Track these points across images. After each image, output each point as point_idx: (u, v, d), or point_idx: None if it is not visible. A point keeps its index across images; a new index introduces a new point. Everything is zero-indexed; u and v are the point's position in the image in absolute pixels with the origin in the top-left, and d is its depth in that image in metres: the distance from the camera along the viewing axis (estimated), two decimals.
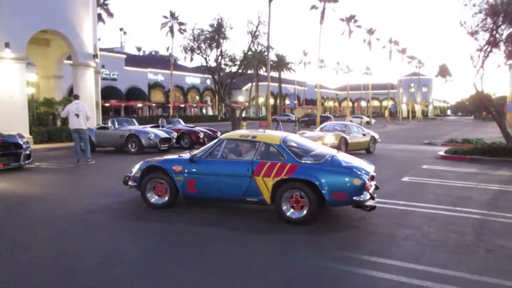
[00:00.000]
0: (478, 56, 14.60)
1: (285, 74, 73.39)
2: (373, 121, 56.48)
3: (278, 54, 69.61)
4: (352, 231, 5.56)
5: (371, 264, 4.32)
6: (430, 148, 18.81)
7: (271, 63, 68.93)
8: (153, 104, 56.82)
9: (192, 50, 20.60)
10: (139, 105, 54.02)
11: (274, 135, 6.55)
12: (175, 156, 6.87)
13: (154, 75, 56.37)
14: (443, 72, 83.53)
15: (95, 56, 20.11)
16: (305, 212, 5.60)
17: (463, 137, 24.12)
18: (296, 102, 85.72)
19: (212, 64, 20.82)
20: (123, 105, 51.22)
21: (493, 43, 14.39)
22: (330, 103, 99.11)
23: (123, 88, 50.40)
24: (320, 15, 40.00)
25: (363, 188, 5.47)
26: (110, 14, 41.51)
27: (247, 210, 6.51)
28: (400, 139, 26.26)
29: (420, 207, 6.77)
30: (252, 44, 20.22)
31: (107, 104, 48.35)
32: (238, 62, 20.42)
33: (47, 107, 21.31)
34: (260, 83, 66.56)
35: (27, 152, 10.33)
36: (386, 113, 65.75)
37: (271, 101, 77.25)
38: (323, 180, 5.49)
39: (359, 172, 5.58)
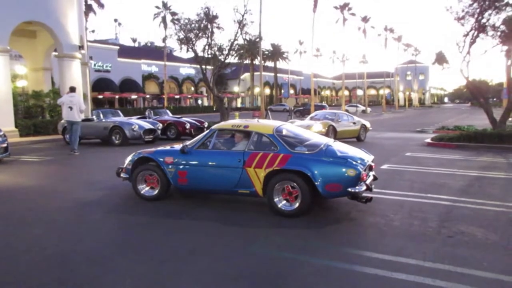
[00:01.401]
0: (463, 41, 14.44)
1: (281, 64, 73.05)
2: (369, 109, 56.29)
3: (273, 44, 69.35)
4: (319, 219, 5.47)
5: (330, 253, 4.25)
6: (420, 136, 18.72)
7: (267, 52, 68.82)
8: (147, 96, 56.60)
9: (181, 40, 20.38)
10: (133, 96, 53.85)
11: (267, 124, 6.32)
12: (166, 148, 6.73)
13: (148, 66, 56.08)
14: (440, 59, 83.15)
15: (81, 47, 19.92)
16: (297, 204, 5.39)
17: (456, 124, 24.05)
18: (293, 91, 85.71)
19: (201, 54, 20.59)
20: (117, 97, 51.05)
21: (479, 28, 14.23)
22: (326, 92, 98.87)
23: (116, 80, 50.17)
24: (313, 3, 39.56)
25: (358, 179, 5.22)
26: (101, 5, 40.99)
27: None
28: (393, 127, 26.20)
29: (391, 194, 6.70)
30: (240, 33, 19.97)
31: (100, 96, 48.28)
32: (225, 52, 20.22)
33: (35, 99, 21.15)
34: (256, 73, 66.24)
35: (4, 145, 10.24)
36: (383, 101, 65.49)
37: (267, 91, 77.19)
38: (315, 171, 5.27)
39: (354, 162, 5.35)
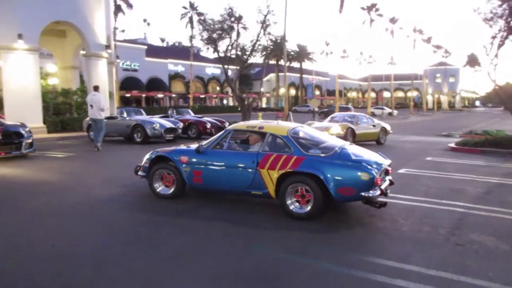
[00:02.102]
0: (491, 43, 14.00)
1: (306, 65, 72.64)
2: (395, 112, 55.26)
3: (299, 44, 69.06)
4: (329, 223, 5.43)
5: (333, 257, 4.22)
6: (445, 140, 18.23)
7: (292, 53, 68.59)
8: (174, 95, 57.39)
9: (204, 41, 20.60)
10: (160, 95, 54.71)
11: (282, 126, 6.26)
12: (183, 147, 6.83)
13: (175, 65, 56.86)
14: (472, 61, 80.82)
15: (107, 46, 20.39)
16: (309, 207, 5.36)
17: (486, 128, 23.31)
18: (318, 93, 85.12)
19: (223, 55, 20.72)
20: (144, 95, 52.00)
21: (508, 30, 13.75)
22: (353, 94, 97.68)
23: (144, 79, 51.12)
24: (340, 4, 39.25)
25: (371, 183, 5.12)
26: (130, 5, 41.94)
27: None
28: (418, 130, 25.64)
29: (405, 199, 6.57)
30: (263, 33, 19.99)
31: (128, 95, 49.30)
32: (248, 53, 20.28)
33: (64, 97, 21.81)
34: (281, 74, 66.09)
35: (29, 141, 10.60)
36: (411, 104, 64.14)
37: (293, 92, 76.96)
38: (328, 174, 5.20)
39: (368, 166, 5.25)
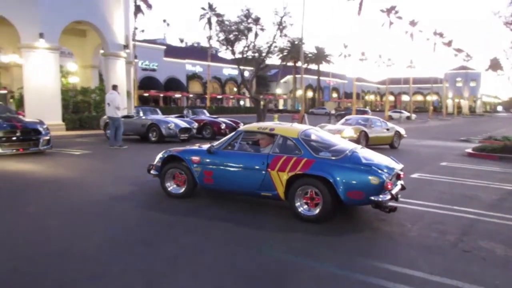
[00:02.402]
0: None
1: (324, 67, 72.32)
2: (413, 116, 54.50)
3: (317, 47, 68.88)
4: (334, 228, 5.42)
5: (337, 260, 4.22)
6: (462, 145, 17.91)
7: (310, 55, 68.37)
8: (191, 95, 57.83)
9: (221, 42, 20.75)
10: (177, 95, 55.19)
11: (292, 128, 6.28)
12: (194, 147, 6.91)
13: (193, 66, 57.27)
14: (494, 65, 79.09)
15: (125, 46, 20.69)
16: (318, 210, 5.35)
17: (507, 134, 22.78)
18: (336, 95, 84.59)
19: (239, 56, 20.84)
20: (162, 95, 52.55)
21: None
22: (371, 97, 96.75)
23: (162, 79, 51.63)
24: (358, 6, 38.97)
25: (381, 187, 5.08)
26: (149, 6, 42.45)
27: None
28: (436, 135, 25.25)
29: (415, 204, 6.50)
30: (279, 35, 20.02)
31: (146, 94, 49.89)
32: (264, 54, 20.32)
33: (83, 95, 22.23)
34: (298, 76, 65.96)
35: (47, 137, 10.85)
36: (430, 108, 63.20)
37: (310, 94, 76.67)
38: (338, 177, 5.18)
39: (378, 170, 5.23)
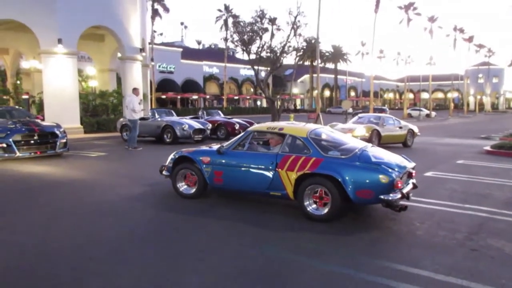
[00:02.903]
0: None
1: (342, 66, 71.74)
2: (433, 113, 53.59)
3: (334, 45, 68.42)
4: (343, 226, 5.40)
5: (340, 259, 4.21)
6: (482, 143, 17.52)
7: (327, 54, 67.95)
8: (208, 96, 58.20)
9: (235, 42, 20.87)
10: (194, 97, 55.62)
11: (302, 127, 6.28)
12: (205, 148, 6.99)
13: (209, 67, 57.65)
14: None
15: (141, 50, 20.99)
16: (327, 209, 5.33)
17: None
18: (354, 94, 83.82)
19: (253, 56, 20.90)
20: (179, 97, 53.04)
21: None
22: (390, 95, 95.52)
23: (179, 81, 52.17)
24: (375, 3, 38.48)
25: (391, 186, 5.03)
26: (166, 9, 42.95)
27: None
28: (455, 132, 24.77)
29: (426, 202, 6.42)
30: (294, 34, 20.00)
31: (163, 96, 50.45)
32: (278, 54, 20.33)
33: (101, 98, 22.68)
34: (316, 75, 65.71)
35: (63, 140, 11.11)
36: (450, 105, 61.98)
37: (327, 93, 76.19)
38: (347, 176, 5.14)
39: (388, 169, 5.18)
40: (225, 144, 6.50)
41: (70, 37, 17.62)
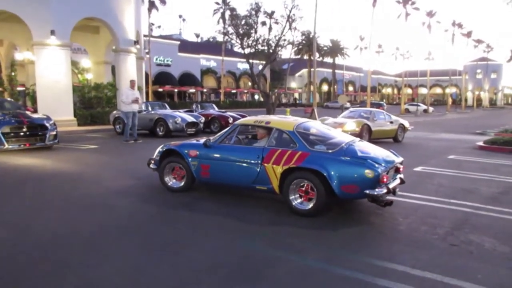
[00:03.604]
0: None
1: (340, 60, 71.57)
2: (431, 109, 53.55)
3: (332, 40, 68.21)
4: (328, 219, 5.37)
5: (317, 253, 4.19)
6: (476, 138, 17.48)
7: (325, 48, 67.74)
8: (205, 90, 58.03)
9: (229, 35, 20.78)
10: (192, 90, 55.44)
11: (288, 121, 6.21)
12: (192, 141, 6.93)
13: (207, 61, 57.40)
14: None
15: (136, 42, 20.85)
16: (312, 204, 5.30)
17: None
18: (352, 89, 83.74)
19: (248, 50, 20.80)
20: (176, 90, 52.86)
21: None
22: (388, 90, 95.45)
23: (176, 74, 51.93)
24: None
25: (376, 181, 4.98)
26: (163, 1, 42.71)
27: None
28: (451, 128, 24.76)
29: (412, 198, 6.39)
30: (289, 28, 19.90)
31: (160, 90, 50.28)
32: (272, 48, 20.24)
33: (96, 91, 22.55)
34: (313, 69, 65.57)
35: (53, 133, 11.06)
36: (448, 101, 61.99)
37: (325, 87, 76.07)
38: (332, 171, 5.09)
39: (374, 163, 5.13)
40: (212, 137, 6.45)
41: (63, 29, 17.48)
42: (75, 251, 4.13)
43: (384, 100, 78.23)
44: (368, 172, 5.03)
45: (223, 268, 3.82)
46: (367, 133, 13.21)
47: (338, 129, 12.34)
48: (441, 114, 46.58)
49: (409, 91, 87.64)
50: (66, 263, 3.84)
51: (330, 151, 5.43)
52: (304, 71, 70.97)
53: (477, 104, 75.94)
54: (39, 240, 4.44)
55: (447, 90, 73.35)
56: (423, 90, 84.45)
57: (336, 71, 71.79)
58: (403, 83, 56.64)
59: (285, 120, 6.34)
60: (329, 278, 3.64)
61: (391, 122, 14.92)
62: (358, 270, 3.75)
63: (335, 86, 73.46)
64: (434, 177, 8.15)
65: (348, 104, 50.61)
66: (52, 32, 17.01)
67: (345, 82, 79.85)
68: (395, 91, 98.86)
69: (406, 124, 15.63)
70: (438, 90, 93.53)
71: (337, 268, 3.81)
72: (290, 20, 19.55)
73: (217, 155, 6.16)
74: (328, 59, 69.48)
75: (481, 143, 13.73)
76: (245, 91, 64.56)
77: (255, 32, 19.85)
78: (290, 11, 19.26)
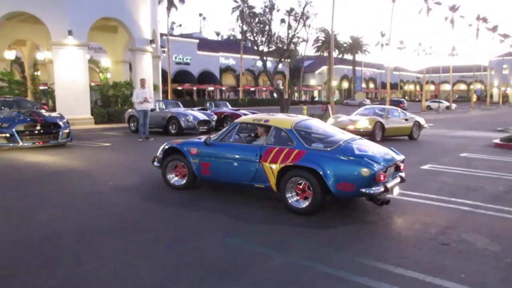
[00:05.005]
0: None
1: (360, 57, 70.72)
2: (454, 106, 52.38)
3: (352, 36, 67.46)
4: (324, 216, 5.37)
5: (304, 250, 4.21)
6: (494, 135, 17.03)
7: (345, 45, 67.07)
8: (224, 88, 58.33)
9: (244, 33, 20.83)
10: (211, 88, 55.82)
11: (287, 119, 6.22)
12: (194, 139, 7.01)
13: (226, 59, 57.67)
14: None
15: (152, 41, 21.12)
16: (308, 202, 5.30)
17: None
18: (373, 86, 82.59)
19: (262, 47, 20.83)
20: (195, 88, 53.35)
21: None
22: (410, 87, 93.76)
23: (195, 72, 52.40)
24: None
25: (372, 179, 4.95)
26: (182, 1, 43.12)
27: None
28: (472, 125, 24.17)
29: (412, 196, 6.31)
30: (303, 25, 19.81)
31: (180, 88, 50.84)
32: (286, 45, 20.20)
33: (114, 90, 22.99)
34: (335, 66, 64.96)
35: (66, 131, 11.36)
36: (472, 97, 60.37)
37: (346, 84, 75.32)
38: (328, 169, 5.08)
39: (370, 162, 5.09)
40: (213, 135, 6.52)
41: (80, 29, 17.86)
42: (67, 247, 4.26)
43: (406, 97, 76.91)
44: (364, 171, 4.99)
45: (208, 265, 3.87)
46: (380, 130, 13.02)
47: (351, 126, 12.30)
48: (464, 111, 45.51)
49: (432, 87, 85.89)
50: (54, 260, 3.94)
51: (327, 149, 5.42)
52: (324, 68, 70.48)
53: (503, 101, 73.81)
54: (33, 236, 4.57)
55: (472, 86, 71.51)
56: (446, 87, 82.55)
57: (357, 68, 71.00)
58: (425, 79, 55.53)
59: (283, 118, 6.36)
60: (310, 275, 3.66)
61: (406, 120, 14.62)
62: (341, 268, 3.76)
63: (363, 83, 72.70)
64: (439, 175, 8.01)
65: (368, 101, 50.09)
66: (70, 32, 17.41)
67: (366, 79, 78.83)
68: (418, 87, 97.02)
69: (422, 121, 15.32)
70: (462, 87, 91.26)
71: (320, 265, 3.82)
72: (304, 17, 19.45)
73: (217, 153, 6.21)
74: (348, 56, 68.77)
75: (497, 141, 13.38)
76: (264, 89, 64.56)
77: (269, 29, 19.82)
78: (304, 8, 19.18)
